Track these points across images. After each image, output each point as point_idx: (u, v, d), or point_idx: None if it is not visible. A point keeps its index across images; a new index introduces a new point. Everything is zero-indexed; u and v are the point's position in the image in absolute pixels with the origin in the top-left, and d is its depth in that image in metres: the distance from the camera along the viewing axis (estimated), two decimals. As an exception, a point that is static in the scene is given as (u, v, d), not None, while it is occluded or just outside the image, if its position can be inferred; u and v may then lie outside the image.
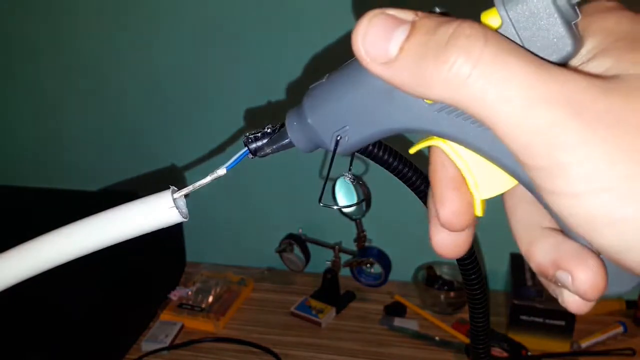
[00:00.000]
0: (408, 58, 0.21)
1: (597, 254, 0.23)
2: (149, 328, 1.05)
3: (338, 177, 1.09)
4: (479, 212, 0.25)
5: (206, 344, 1.03)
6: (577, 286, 0.22)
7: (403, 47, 0.21)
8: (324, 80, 0.26)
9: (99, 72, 1.17)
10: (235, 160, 0.30)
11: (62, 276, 0.36)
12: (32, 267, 0.31)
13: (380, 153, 0.31)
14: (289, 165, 1.15)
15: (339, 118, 0.26)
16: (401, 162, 0.32)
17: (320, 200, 0.33)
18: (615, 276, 0.23)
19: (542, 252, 0.24)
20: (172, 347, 1.01)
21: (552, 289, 0.25)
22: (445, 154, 0.25)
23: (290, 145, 0.28)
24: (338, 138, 0.26)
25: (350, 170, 0.31)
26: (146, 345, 1.01)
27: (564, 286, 0.23)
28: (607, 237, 0.20)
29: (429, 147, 0.26)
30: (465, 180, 0.25)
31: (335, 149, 0.26)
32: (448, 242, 0.26)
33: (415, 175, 0.32)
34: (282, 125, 0.29)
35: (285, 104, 1.07)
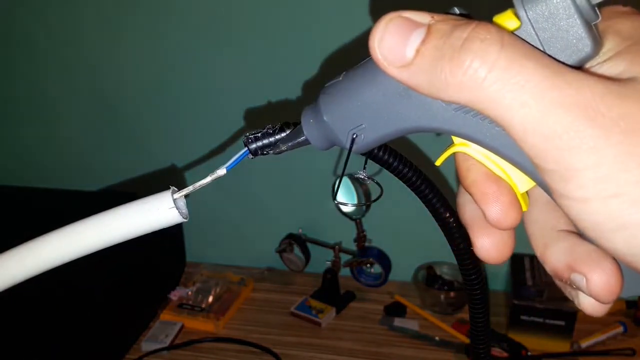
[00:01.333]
0: (424, 61, 0.21)
1: (613, 256, 0.23)
2: (149, 328, 1.05)
3: (338, 177, 1.09)
4: (524, 206, 0.25)
5: (206, 344, 1.03)
6: (592, 289, 0.23)
7: (419, 50, 0.22)
8: (340, 78, 0.26)
9: (99, 72, 1.17)
10: (236, 160, 0.29)
11: (61, 276, 0.36)
12: (31, 268, 0.31)
13: (380, 153, 0.31)
14: (289, 165, 1.15)
15: (355, 116, 0.26)
16: (401, 162, 0.32)
17: (334, 198, 0.33)
18: (631, 279, 0.23)
19: (557, 255, 0.24)
20: (172, 347, 1.01)
21: (567, 291, 0.25)
22: (472, 158, 0.25)
23: (306, 142, 0.28)
24: (354, 136, 0.26)
25: (364, 169, 0.31)
26: (146, 345, 1.01)
27: (579, 289, 0.23)
28: (618, 242, 0.20)
29: (454, 155, 0.26)
30: (501, 178, 0.25)
31: (350, 147, 0.26)
32: (491, 246, 0.26)
33: (415, 175, 0.32)
34: (284, 124, 0.29)
35: (286, 104, 1.07)
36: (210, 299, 1.11)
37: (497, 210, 0.24)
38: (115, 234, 0.30)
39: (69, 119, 1.23)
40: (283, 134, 0.29)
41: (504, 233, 0.26)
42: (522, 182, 0.25)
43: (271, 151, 0.30)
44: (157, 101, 1.18)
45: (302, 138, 0.28)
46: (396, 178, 0.32)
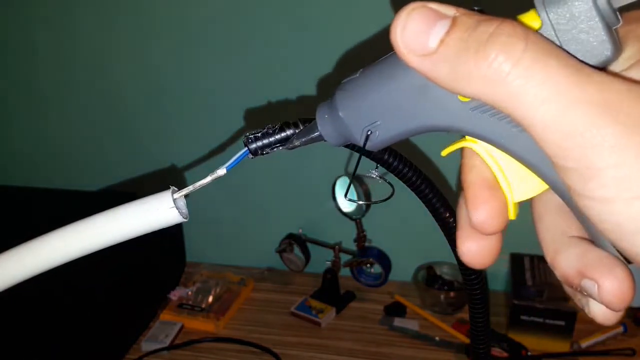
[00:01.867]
0: (447, 52, 0.21)
1: (625, 263, 0.22)
2: (149, 328, 1.05)
3: (338, 177, 1.09)
4: (512, 214, 0.25)
5: (206, 344, 1.03)
6: (603, 295, 0.22)
7: (443, 40, 0.21)
8: (357, 75, 0.26)
9: (99, 72, 1.17)
10: (235, 160, 0.29)
11: (61, 276, 0.36)
12: (32, 268, 0.31)
13: (380, 153, 0.31)
14: (289, 165, 1.15)
15: (370, 113, 0.26)
16: (401, 162, 0.32)
17: (346, 195, 0.33)
18: None
19: (567, 260, 0.24)
20: (172, 347, 1.01)
21: (577, 298, 0.25)
22: (478, 156, 0.25)
23: (320, 138, 0.28)
24: (368, 133, 0.26)
25: (377, 168, 0.31)
26: (146, 345, 1.01)
27: (589, 295, 0.23)
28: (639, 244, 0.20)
29: (461, 150, 0.26)
30: (499, 183, 0.25)
31: (364, 144, 0.26)
32: (476, 251, 0.26)
33: (415, 175, 0.32)
34: (284, 124, 0.29)
35: (286, 104, 1.07)
36: (210, 299, 1.11)
37: (482, 215, 0.24)
38: (115, 233, 0.30)
39: (69, 119, 1.23)
40: (283, 134, 0.29)
41: (491, 239, 0.26)
42: (520, 191, 0.25)
43: (282, 147, 0.29)
44: (157, 101, 1.18)
45: (316, 134, 0.28)
46: (397, 178, 0.32)
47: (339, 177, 1.09)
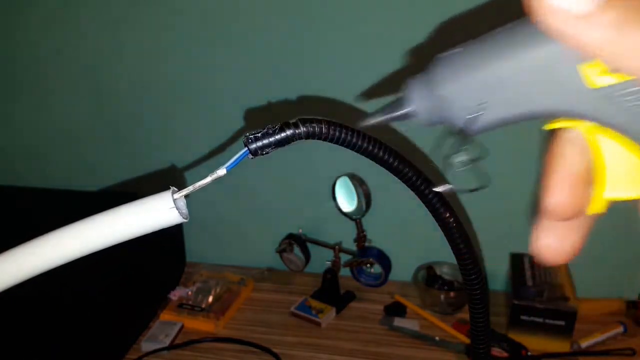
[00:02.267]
0: (610, 16, 0.19)
1: None
2: (149, 328, 1.05)
3: (338, 177, 1.09)
4: (599, 208, 0.23)
5: (206, 344, 1.03)
6: None
7: (606, 3, 0.19)
8: (460, 49, 0.24)
9: (99, 72, 1.17)
10: (236, 160, 0.29)
11: (61, 276, 0.36)
12: (32, 268, 0.31)
13: (381, 153, 0.31)
14: (289, 165, 1.15)
15: (477, 92, 0.23)
16: (401, 161, 0.32)
17: (435, 186, 0.31)
18: None
19: None
20: (172, 347, 1.01)
21: None
22: (568, 145, 0.23)
23: (409, 116, 0.25)
24: (472, 115, 0.23)
25: (465, 149, 0.28)
26: (146, 345, 1.01)
27: None
28: None
29: (556, 130, 0.23)
30: (596, 173, 0.23)
31: (466, 127, 0.24)
32: (553, 244, 0.25)
33: (415, 174, 0.32)
34: (284, 124, 0.29)
35: (286, 104, 1.07)
36: (210, 299, 1.11)
37: (557, 202, 0.23)
38: (115, 234, 0.30)
39: (68, 119, 1.23)
40: (283, 134, 0.29)
41: (570, 232, 0.24)
42: (617, 188, 0.23)
43: (364, 123, 0.27)
44: (157, 101, 1.18)
45: (405, 110, 0.25)
46: (397, 177, 0.32)
47: (339, 177, 1.09)
